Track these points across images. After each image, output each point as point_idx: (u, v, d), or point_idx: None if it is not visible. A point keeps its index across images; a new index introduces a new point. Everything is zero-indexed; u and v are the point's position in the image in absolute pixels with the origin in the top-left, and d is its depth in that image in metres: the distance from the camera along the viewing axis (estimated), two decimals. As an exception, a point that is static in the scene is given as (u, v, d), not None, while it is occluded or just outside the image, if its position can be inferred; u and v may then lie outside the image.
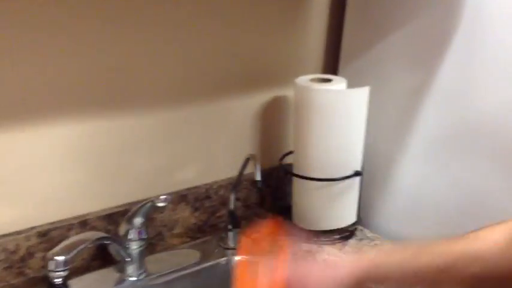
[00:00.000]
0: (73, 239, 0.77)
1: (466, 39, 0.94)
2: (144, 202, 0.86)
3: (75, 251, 0.73)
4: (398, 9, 1.04)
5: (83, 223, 0.94)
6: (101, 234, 0.83)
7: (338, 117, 1.00)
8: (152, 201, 0.84)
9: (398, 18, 1.04)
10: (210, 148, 1.10)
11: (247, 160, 0.97)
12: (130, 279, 0.91)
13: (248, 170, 1.00)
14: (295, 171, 1.09)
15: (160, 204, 0.84)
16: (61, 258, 0.69)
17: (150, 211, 0.88)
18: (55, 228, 0.90)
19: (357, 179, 1.07)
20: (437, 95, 1.01)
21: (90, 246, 0.85)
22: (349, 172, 1.05)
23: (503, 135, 0.91)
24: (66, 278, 0.73)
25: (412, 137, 1.07)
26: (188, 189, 1.08)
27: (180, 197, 1.06)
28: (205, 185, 1.11)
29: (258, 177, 0.92)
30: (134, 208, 0.88)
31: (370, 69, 1.11)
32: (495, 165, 0.93)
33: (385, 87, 1.08)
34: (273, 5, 1.09)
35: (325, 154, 1.03)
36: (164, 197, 0.84)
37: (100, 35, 0.89)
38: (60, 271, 0.70)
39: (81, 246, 0.75)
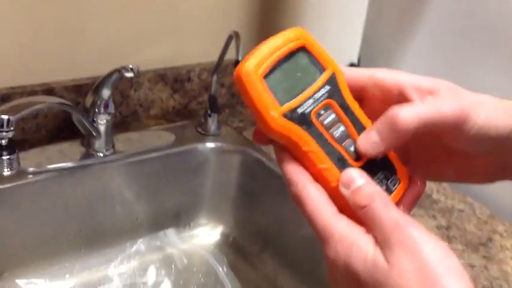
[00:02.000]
0: (25, 99, 0.70)
1: None
2: (110, 71, 0.79)
3: (24, 112, 0.66)
4: None
5: (48, 91, 0.87)
6: (59, 99, 0.76)
7: None
8: (119, 70, 0.77)
9: None
10: (184, 22, 1.00)
11: (230, 38, 0.88)
12: (97, 154, 0.85)
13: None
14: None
15: (128, 75, 0.76)
16: (5, 116, 0.63)
17: (118, 82, 0.80)
18: (15, 94, 0.83)
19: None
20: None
21: (46, 110, 0.78)
22: (343, 63, 0.96)
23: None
24: (12, 141, 0.67)
25: (417, 31, 0.97)
26: (166, 68, 0.99)
27: (157, 76, 0.98)
28: (187, 65, 1.02)
29: (240, 58, 0.84)
30: (100, 78, 0.80)
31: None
32: (504, 68, 0.84)
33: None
34: None
35: (318, 38, 0.93)
36: (131, 66, 0.76)
37: None
38: (3, 131, 0.63)
39: (33, 108, 0.68)
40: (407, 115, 0.38)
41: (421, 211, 0.83)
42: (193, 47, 1.03)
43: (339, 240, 0.36)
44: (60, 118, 0.89)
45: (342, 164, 0.40)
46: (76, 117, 0.80)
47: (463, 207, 0.84)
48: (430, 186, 0.88)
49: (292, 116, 0.39)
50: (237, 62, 0.84)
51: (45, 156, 0.83)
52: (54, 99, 0.77)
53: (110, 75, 0.79)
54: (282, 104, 0.39)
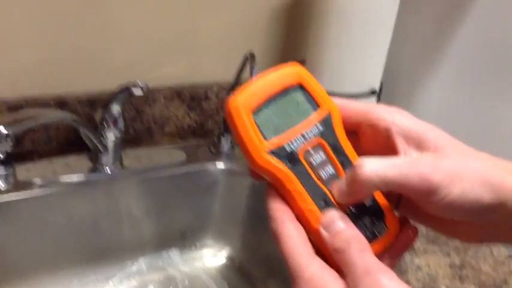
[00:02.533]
0: (32, 111, 0.69)
1: None
2: (120, 88, 0.78)
3: (26, 125, 0.65)
4: None
5: (61, 104, 0.87)
6: (66, 114, 0.75)
7: (360, 23, 0.87)
8: (128, 87, 0.76)
9: None
10: (203, 40, 0.99)
11: (245, 59, 0.86)
12: (104, 169, 0.84)
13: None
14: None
15: (136, 92, 0.75)
16: (3, 130, 0.62)
17: (128, 99, 0.79)
18: (27, 105, 0.83)
19: (372, 99, 0.95)
20: (479, 11, 0.86)
21: (57, 123, 0.77)
22: (364, 89, 0.93)
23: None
24: (9, 155, 0.66)
25: (443, 57, 0.93)
26: (183, 85, 0.98)
27: (174, 93, 0.97)
28: (205, 83, 1.01)
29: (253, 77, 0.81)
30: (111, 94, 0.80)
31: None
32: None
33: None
34: None
35: (339, 66, 0.91)
36: (140, 83, 0.75)
37: None
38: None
39: (36, 122, 0.67)
40: (369, 172, 0.35)
41: (435, 247, 0.79)
42: (211, 65, 1.01)
43: (309, 281, 0.34)
44: (71, 131, 0.89)
45: (326, 205, 0.38)
46: (83, 132, 0.79)
47: (479, 245, 0.79)
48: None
49: (279, 153, 0.38)
50: (249, 83, 0.82)
51: (51, 169, 0.82)
52: (61, 114, 0.77)
53: (119, 91, 0.78)
54: (268, 140, 0.37)
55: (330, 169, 0.39)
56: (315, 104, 0.39)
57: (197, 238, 0.93)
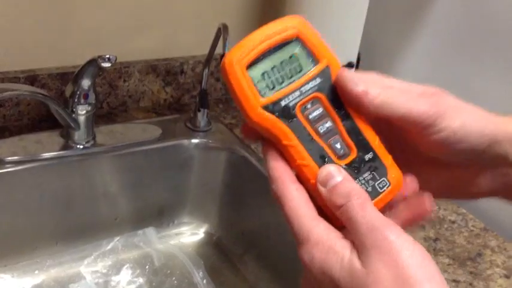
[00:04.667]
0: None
1: None
2: (88, 61, 0.76)
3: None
4: None
5: (32, 78, 0.85)
6: (35, 88, 0.73)
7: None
8: (95, 59, 0.74)
9: None
10: (178, 12, 0.96)
11: (219, 31, 0.84)
12: (76, 146, 0.82)
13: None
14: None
15: (104, 64, 0.73)
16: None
17: (96, 73, 0.77)
18: (-5, 80, 0.81)
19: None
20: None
21: (28, 98, 0.75)
22: (342, 62, 0.92)
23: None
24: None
25: (420, 28, 0.92)
26: (158, 59, 0.96)
27: (148, 67, 0.95)
28: (181, 57, 0.99)
29: (226, 51, 0.80)
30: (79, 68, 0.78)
31: None
32: (505, 70, 0.79)
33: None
34: None
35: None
36: (108, 56, 0.73)
37: None
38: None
39: (2, 96, 0.65)
40: (377, 96, 0.37)
41: (412, 220, 0.78)
42: (187, 39, 0.99)
43: (315, 245, 0.34)
44: (42, 107, 0.87)
45: (323, 161, 0.37)
46: (53, 107, 0.78)
47: (455, 218, 0.79)
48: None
49: (274, 108, 0.37)
50: (223, 56, 0.81)
51: (21, 145, 0.80)
52: (29, 88, 0.75)
53: (87, 64, 0.76)
54: (263, 95, 0.37)
55: (328, 123, 0.38)
56: (314, 58, 0.38)
57: (175, 215, 0.93)
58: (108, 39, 0.91)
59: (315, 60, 0.38)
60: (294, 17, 0.39)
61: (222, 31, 0.81)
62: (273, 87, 0.37)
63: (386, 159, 0.39)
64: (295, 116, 0.37)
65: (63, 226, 0.83)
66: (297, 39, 0.38)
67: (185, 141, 0.90)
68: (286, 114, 0.37)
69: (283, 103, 0.37)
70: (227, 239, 0.91)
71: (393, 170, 0.38)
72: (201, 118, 0.93)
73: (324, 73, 0.38)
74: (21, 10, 0.82)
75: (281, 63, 0.38)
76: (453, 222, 0.78)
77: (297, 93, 0.38)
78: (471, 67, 0.84)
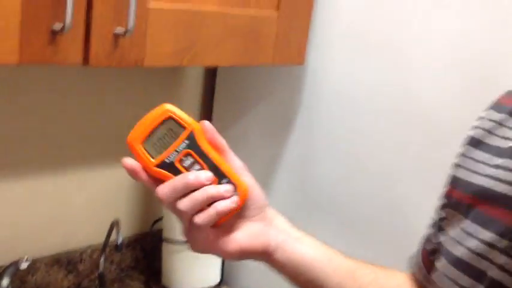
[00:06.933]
0: None
1: (306, 116, 1.11)
2: (10, 263, 0.94)
3: None
4: (253, 93, 1.21)
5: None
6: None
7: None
8: (16, 262, 0.92)
9: (254, 100, 1.21)
10: (74, 214, 1.18)
11: (112, 225, 1.06)
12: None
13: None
14: (165, 234, 1.19)
15: (23, 266, 0.92)
16: None
17: (15, 272, 0.95)
18: None
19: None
20: (289, 163, 1.15)
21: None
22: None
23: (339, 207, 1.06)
24: None
25: (271, 200, 1.20)
26: (60, 253, 1.15)
27: (53, 260, 1.13)
28: (80, 248, 1.19)
29: (119, 241, 1.02)
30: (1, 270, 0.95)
31: (238, 138, 1.24)
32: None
33: (251, 156, 1.22)
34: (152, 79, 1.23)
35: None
36: (26, 257, 0.92)
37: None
38: None
39: None
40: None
41: None
42: (84, 231, 1.20)
43: None
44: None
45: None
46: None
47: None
48: None
49: (162, 165, 0.61)
50: (117, 246, 1.02)
51: None
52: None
53: (8, 266, 0.94)
54: (154, 158, 0.61)
55: (197, 167, 0.62)
56: (182, 127, 0.62)
57: None
58: (19, 241, 1.09)
59: (183, 128, 0.62)
60: (164, 104, 0.63)
61: (115, 225, 1.04)
62: (160, 152, 0.61)
63: (237, 180, 0.63)
64: (176, 167, 0.61)
65: None
66: (170, 117, 0.62)
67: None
68: (170, 167, 0.61)
69: (167, 160, 0.61)
70: None
71: (241, 186, 0.63)
72: (99, 297, 1.11)
73: (190, 136, 0.62)
74: None
75: (162, 135, 0.61)
76: None
77: (175, 152, 0.62)
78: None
